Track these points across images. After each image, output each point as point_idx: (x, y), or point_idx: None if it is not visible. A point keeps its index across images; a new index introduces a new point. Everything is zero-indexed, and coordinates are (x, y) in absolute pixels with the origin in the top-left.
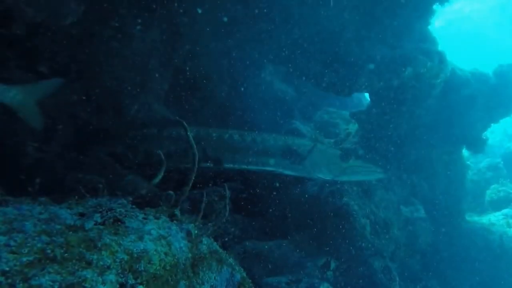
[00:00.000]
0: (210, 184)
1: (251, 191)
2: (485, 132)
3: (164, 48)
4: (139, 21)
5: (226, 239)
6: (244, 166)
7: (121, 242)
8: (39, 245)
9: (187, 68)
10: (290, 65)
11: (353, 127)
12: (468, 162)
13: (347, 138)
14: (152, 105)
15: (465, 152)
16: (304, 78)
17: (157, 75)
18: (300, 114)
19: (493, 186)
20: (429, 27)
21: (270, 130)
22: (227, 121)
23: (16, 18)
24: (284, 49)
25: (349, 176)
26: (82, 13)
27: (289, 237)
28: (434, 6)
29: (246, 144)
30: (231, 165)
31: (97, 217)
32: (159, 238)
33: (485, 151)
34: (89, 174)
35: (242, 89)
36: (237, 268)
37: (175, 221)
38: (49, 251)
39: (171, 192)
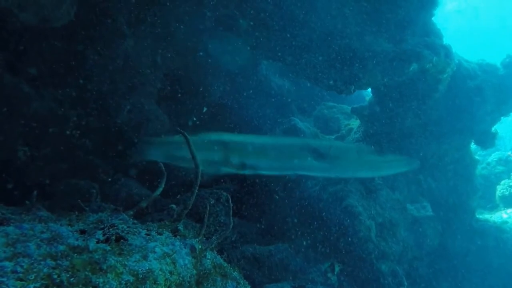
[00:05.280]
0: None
1: (250, 192)
2: (494, 126)
3: (155, 46)
4: (131, 20)
5: (224, 244)
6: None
7: (125, 263)
8: (45, 270)
9: (179, 66)
10: (288, 63)
11: (354, 122)
12: (477, 156)
13: (349, 134)
14: (144, 105)
15: (473, 146)
16: (304, 76)
17: (149, 73)
18: (298, 109)
19: (504, 181)
20: (433, 19)
21: (268, 128)
22: (223, 119)
23: (8, 21)
24: (282, 46)
25: (388, 171)
26: (73, 15)
27: (290, 241)
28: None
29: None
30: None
31: (99, 234)
32: (164, 256)
33: (495, 144)
34: (82, 179)
35: (238, 86)
36: (242, 282)
37: (178, 236)
38: (55, 276)
39: (173, 205)
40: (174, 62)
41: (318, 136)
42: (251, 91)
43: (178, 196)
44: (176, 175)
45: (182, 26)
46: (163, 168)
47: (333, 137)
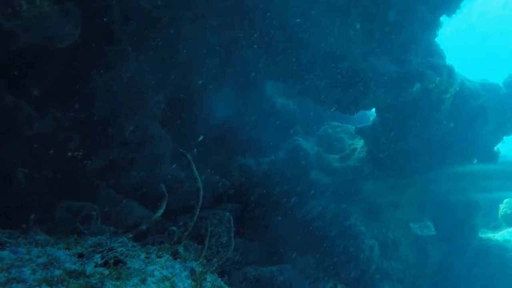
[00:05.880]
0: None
1: (253, 213)
2: (497, 145)
3: (159, 68)
4: (134, 43)
5: (226, 265)
6: None
7: (123, 287)
8: None
9: (183, 87)
10: (292, 84)
11: (358, 142)
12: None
13: (353, 154)
14: (148, 126)
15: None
16: (308, 97)
17: (152, 94)
18: (303, 128)
19: (506, 200)
20: (436, 39)
21: (273, 147)
22: (227, 141)
23: (11, 42)
24: (286, 67)
25: None
26: (78, 37)
27: (292, 261)
28: (441, 18)
29: None
30: None
31: (98, 258)
32: (163, 279)
33: (498, 161)
34: (82, 201)
35: (243, 107)
36: None
37: (178, 259)
38: None
39: (174, 228)
40: (177, 83)
41: (321, 156)
42: (255, 111)
43: (180, 218)
44: (178, 197)
45: (185, 50)
46: (165, 190)
47: (337, 156)
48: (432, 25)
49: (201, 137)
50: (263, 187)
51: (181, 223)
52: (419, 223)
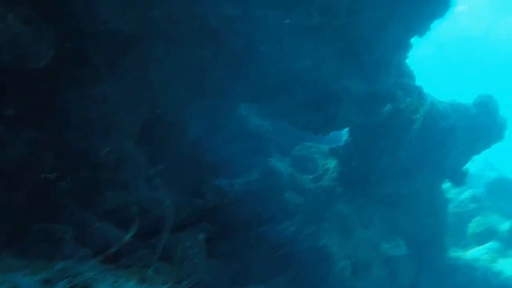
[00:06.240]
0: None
1: (227, 234)
2: (466, 164)
3: (134, 87)
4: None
5: (198, 287)
6: None
7: None
8: None
9: (158, 108)
10: (264, 106)
11: (331, 162)
12: (449, 194)
13: (326, 174)
14: (123, 146)
15: (445, 184)
16: (280, 117)
17: (127, 114)
18: (277, 149)
19: (475, 218)
20: (407, 60)
21: (246, 168)
22: (199, 162)
23: None
24: (259, 88)
25: None
26: (52, 57)
27: (266, 282)
28: (412, 40)
29: None
30: None
31: (64, 283)
32: None
33: (467, 182)
34: (56, 223)
35: (215, 127)
36: None
37: (147, 283)
38: None
39: (143, 251)
40: (150, 104)
41: (294, 177)
42: (228, 132)
43: (152, 240)
44: (152, 219)
45: (157, 71)
46: (136, 212)
47: (310, 177)
48: (403, 46)
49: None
50: (236, 208)
51: (153, 246)
52: (391, 242)
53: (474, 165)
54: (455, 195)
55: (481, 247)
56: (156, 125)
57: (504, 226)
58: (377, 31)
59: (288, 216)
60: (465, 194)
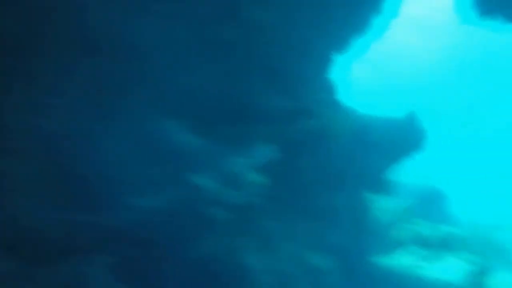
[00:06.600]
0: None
1: (140, 255)
2: (390, 173)
3: None
4: None
5: None
6: None
7: None
8: None
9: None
10: (186, 120)
11: (257, 177)
12: (376, 203)
13: (252, 189)
14: None
15: (372, 193)
16: (201, 132)
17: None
18: (205, 166)
19: (401, 225)
20: (330, 75)
21: (167, 184)
22: (114, 178)
23: None
24: (179, 101)
25: None
26: None
27: None
28: (332, 56)
29: None
30: None
31: None
32: None
33: (394, 190)
34: None
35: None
36: None
37: None
38: None
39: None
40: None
41: (218, 192)
42: (148, 148)
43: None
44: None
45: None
46: None
47: (235, 192)
48: (326, 61)
49: None
50: (153, 226)
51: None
52: (317, 254)
53: (401, 174)
54: (382, 204)
55: (408, 253)
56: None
57: (429, 231)
58: (298, 47)
59: (212, 232)
60: (393, 202)
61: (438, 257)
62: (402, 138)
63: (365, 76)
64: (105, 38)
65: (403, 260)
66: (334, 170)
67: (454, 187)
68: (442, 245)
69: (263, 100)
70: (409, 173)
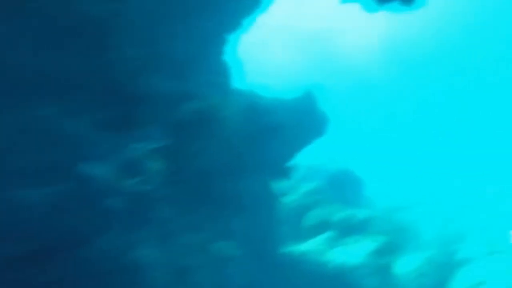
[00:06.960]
0: None
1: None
2: (296, 157)
3: None
4: None
5: None
6: None
7: None
8: None
9: None
10: (64, 104)
11: (156, 164)
12: (287, 189)
13: (151, 176)
14: None
15: (281, 179)
16: (80, 116)
17: None
18: (100, 153)
19: (314, 210)
20: (223, 56)
21: (57, 174)
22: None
23: None
24: (57, 82)
25: None
26: None
27: None
28: (221, 37)
29: None
30: None
31: None
32: None
33: (302, 175)
34: None
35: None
36: None
37: None
38: None
39: None
40: None
41: (115, 181)
42: (34, 134)
43: None
44: None
45: None
46: None
47: (134, 180)
48: (216, 42)
49: None
50: (42, 222)
51: None
52: (222, 243)
53: (314, 158)
54: (293, 189)
55: (317, 238)
56: None
57: (340, 215)
58: (183, 26)
59: (106, 227)
60: (305, 187)
61: (349, 241)
62: (303, 120)
63: (257, 54)
64: None
65: (310, 245)
66: (233, 156)
67: (369, 170)
68: (354, 228)
69: (145, 83)
70: (321, 156)
